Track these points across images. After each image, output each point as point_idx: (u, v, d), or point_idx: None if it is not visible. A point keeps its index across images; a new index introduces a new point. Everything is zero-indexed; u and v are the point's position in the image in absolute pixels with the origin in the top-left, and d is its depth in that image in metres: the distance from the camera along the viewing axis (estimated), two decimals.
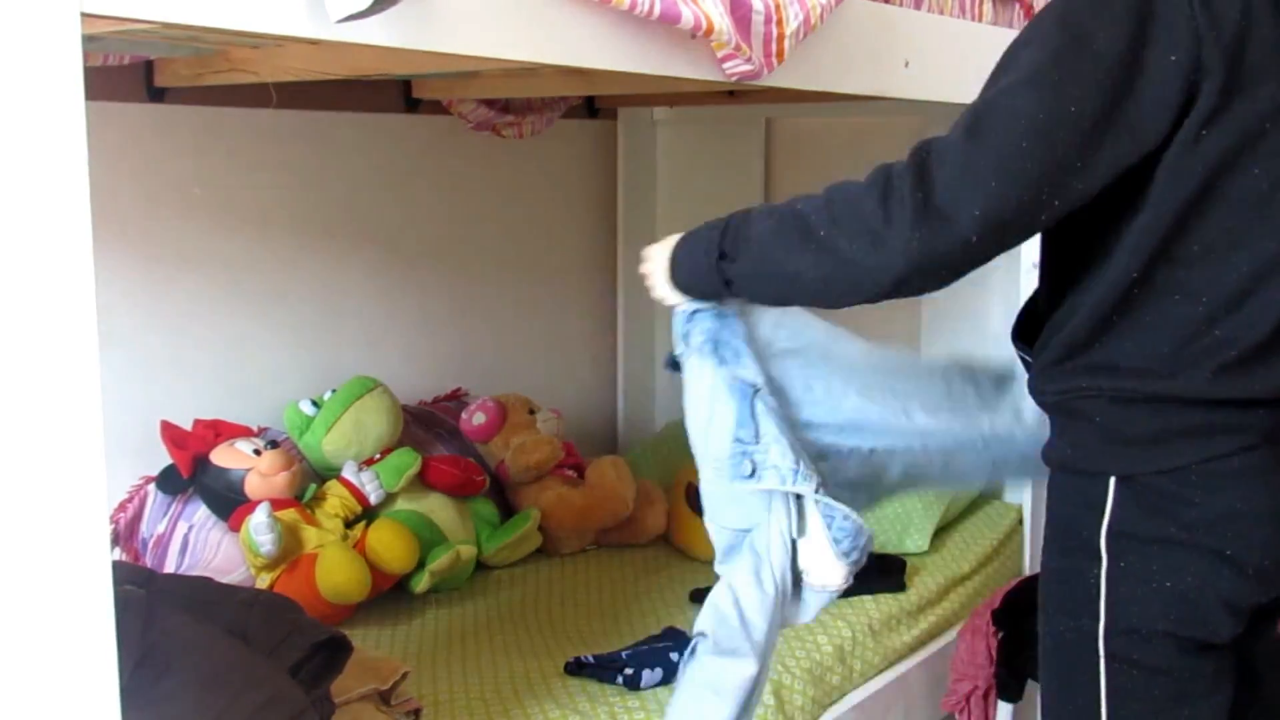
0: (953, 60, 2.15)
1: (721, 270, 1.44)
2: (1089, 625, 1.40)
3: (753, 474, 1.48)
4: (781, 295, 1.47)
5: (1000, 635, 2.27)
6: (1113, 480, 1.37)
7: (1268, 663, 1.53)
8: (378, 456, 2.47)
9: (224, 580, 2.08)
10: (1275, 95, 1.27)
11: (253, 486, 2.29)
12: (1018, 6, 2.38)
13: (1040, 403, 1.45)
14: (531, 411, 2.80)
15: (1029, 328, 1.52)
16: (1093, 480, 1.39)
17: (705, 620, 1.56)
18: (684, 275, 1.53)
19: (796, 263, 1.34)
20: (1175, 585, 1.36)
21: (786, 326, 1.62)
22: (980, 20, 2.24)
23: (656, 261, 1.57)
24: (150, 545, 2.31)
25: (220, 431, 2.37)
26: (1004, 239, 1.29)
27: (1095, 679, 1.41)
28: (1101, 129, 1.25)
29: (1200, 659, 1.41)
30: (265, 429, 2.50)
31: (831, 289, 1.34)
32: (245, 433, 2.41)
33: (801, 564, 1.54)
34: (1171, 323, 1.33)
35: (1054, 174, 1.25)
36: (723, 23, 1.52)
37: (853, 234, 1.29)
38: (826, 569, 1.53)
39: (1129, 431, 1.36)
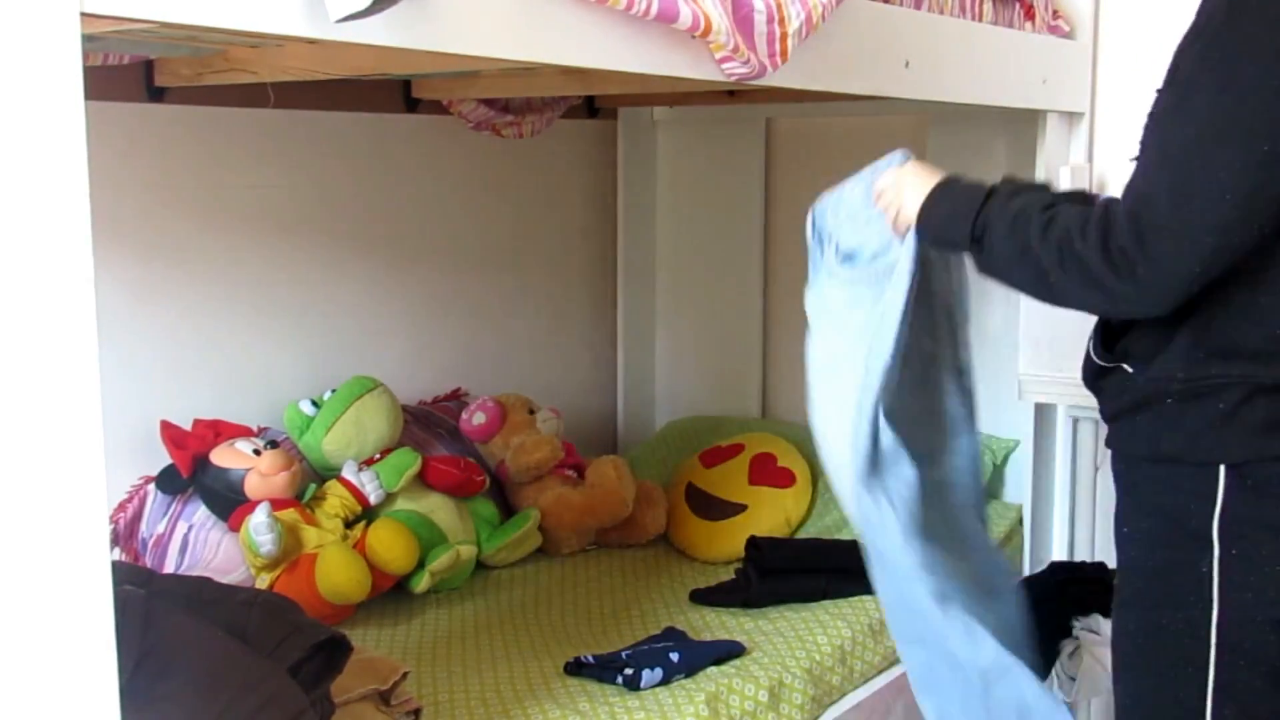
0: (953, 60, 2.14)
1: (972, 253, 1.56)
2: (1199, 615, 1.43)
3: None
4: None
5: None
6: (1223, 469, 1.41)
7: None
8: (378, 456, 2.47)
9: (224, 580, 2.07)
10: None
11: (253, 486, 2.29)
12: (1018, 6, 2.38)
13: (1160, 392, 1.47)
14: (531, 411, 2.80)
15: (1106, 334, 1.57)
16: (1202, 470, 1.42)
17: None
18: (934, 230, 1.62)
19: (1032, 290, 1.52)
20: None
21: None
22: (980, 20, 2.24)
23: (908, 197, 1.64)
24: (150, 545, 2.31)
25: (220, 431, 2.37)
26: (1222, 267, 1.37)
27: (1203, 669, 1.44)
28: None
29: None
30: (265, 429, 2.50)
31: (1067, 306, 1.48)
32: (245, 433, 2.41)
33: None
34: None
35: (1264, 209, 1.34)
36: (721, 23, 1.52)
37: (1082, 285, 1.41)
38: None
39: (1253, 419, 1.40)
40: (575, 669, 2.07)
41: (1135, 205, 1.37)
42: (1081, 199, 1.65)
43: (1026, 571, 2.70)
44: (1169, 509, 1.47)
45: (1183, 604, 1.45)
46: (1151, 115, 1.42)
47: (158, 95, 2.35)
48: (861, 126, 3.19)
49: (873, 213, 1.70)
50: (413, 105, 2.83)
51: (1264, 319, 1.40)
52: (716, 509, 2.79)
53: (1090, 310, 1.49)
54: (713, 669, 2.08)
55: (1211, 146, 1.33)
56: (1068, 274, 1.42)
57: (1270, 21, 1.31)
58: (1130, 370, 1.51)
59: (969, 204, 1.55)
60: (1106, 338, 1.56)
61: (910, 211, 1.63)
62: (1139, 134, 1.45)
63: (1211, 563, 1.42)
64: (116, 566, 1.22)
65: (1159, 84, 1.43)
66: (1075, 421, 2.70)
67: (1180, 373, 1.44)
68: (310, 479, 2.43)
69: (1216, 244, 1.33)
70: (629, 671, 2.01)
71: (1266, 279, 1.39)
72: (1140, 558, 1.52)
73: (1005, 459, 3.01)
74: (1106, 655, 1.71)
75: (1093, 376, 1.59)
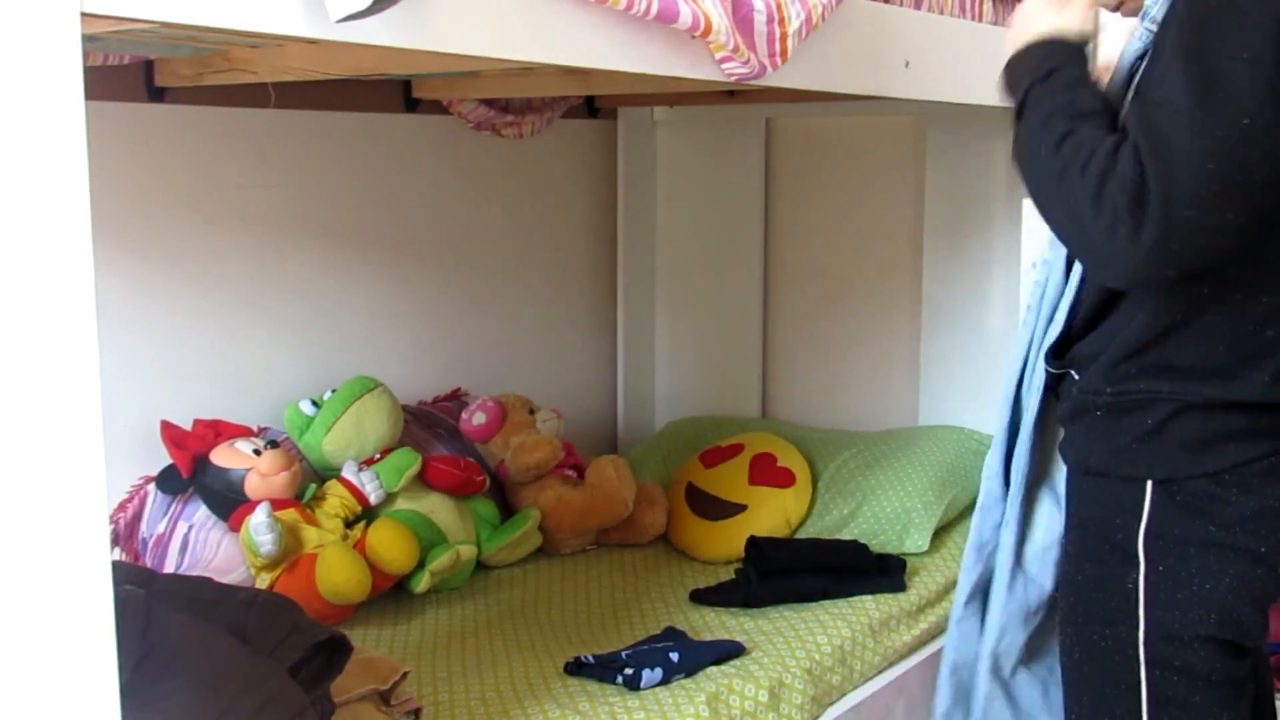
0: (953, 60, 2.15)
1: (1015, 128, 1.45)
2: (1127, 632, 1.40)
3: None
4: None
5: None
6: (1150, 484, 1.38)
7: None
8: (378, 456, 2.47)
9: (224, 580, 2.07)
10: None
11: (253, 486, 2.29)
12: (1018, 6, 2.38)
13: (1089, 404, 1.43)
14: (531, 411, 2.80)
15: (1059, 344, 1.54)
16: (1129, 484, 1.39)
17: None
18: (1005, 86, 1.52)
19: (1033, 196, 1.38)
20: (1215, 588, 1.36)
21: None
22: (980, 20, 2.24)
23: (1016, 34, 1.52)
24: (150, 545, 2.31)
25: (220, 431, 2.37)
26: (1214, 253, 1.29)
27: (1135, 687, 1.40)
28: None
29: (1236, 663, 1.41)
30: (265, 429, 2.50)
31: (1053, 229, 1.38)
32: (245, 433, 2.41)
33: None
34: (1230, 321, 1.34)
35: (1251, 193, 1.24)
36: (721, 23, 1.52)
37: (1068, 216, 1.30)
38: None
39: (1181, 435, 1.37)
40: (575, 669, 2.07)
41: (1142, 163, 1.25)
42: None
43: None
44: (1096, 523, 1.45)
45: (1111, 620, 1.42)
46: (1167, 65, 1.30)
47: (158, 95, 2.35)
48: (861, 126, 3.19)
49: None
50: (413, 105, 2.83)
51: (1206, 337, 1.35)
52: (716, 509, 2.79)
53: (1068, 245, 1.39)
54: (713, 669, 2.08)
55: (1203, 115, 1.22)
56: (1061, 198, 1.31)
57: None
58: (1075, 377, 1.49)
59: (1031, 72, 1.43)
60: (1060, 345, 1.53)
61: (1007, 52, 1.51)
62: None
63: (1137, 579, 1.39)
64: (116, 566, 1.22)
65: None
66: None
67: (1107, 386, 1.41)
68: (310, 479, 2.43)
69: (1200, 222, 1.22)
70: (629, 671, 2.01)
71: (1212, 298, 1.34)
72: (1072, 572, 1.49)
73: None
74: None
75: (1052, 380, 1.58)
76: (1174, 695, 1.40)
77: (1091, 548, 1.45)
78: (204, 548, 2.29)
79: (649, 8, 1.42)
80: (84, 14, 0.95)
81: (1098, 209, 1.26)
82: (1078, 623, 1.48)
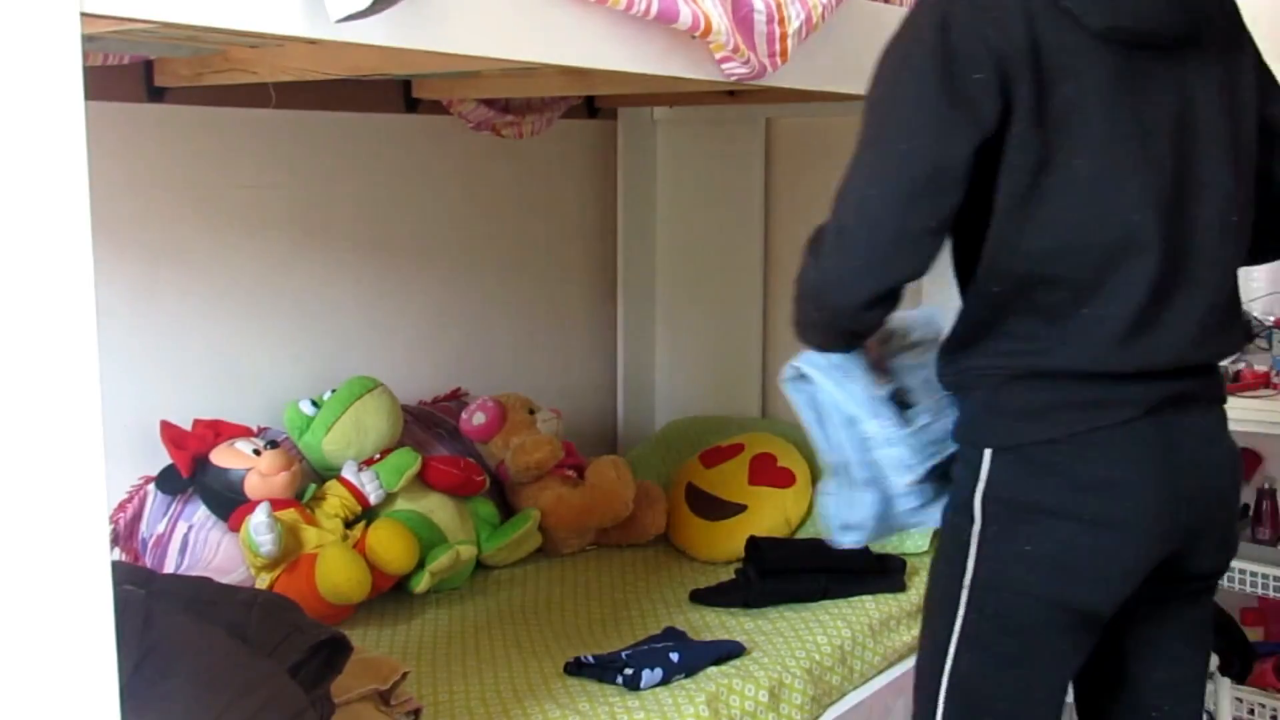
0: None
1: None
2: (957, 574, 1.56)
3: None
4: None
5: None
6: (988, 452, 1.52)
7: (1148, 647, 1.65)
8: (378, 456, 2.47)
9: (224, 580, 2.07)
10: (1074, 93, 1.40)
11: (253, 486, 2.29)
12: None
13: (945, 383, 1.62)
14: (531, 411, 2.80)
15: None
16: (973, 450, 1.55)
17: None
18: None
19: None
20: (1037, 549, 1.50)
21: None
22: None
23: None
24: (150, 545, 2.31)
25: (220, 431, 2.37)
26: (904, 270, 1.47)
27: (951, 621, 1.57)
28: (937, 153, 1.41)
29: (1060, 627, 1.54)
30: (265, 429, 2.51)
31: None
32: (245, 433, 2.41)
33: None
34: (1043, 307, 1.48)
35: (921, 204, 1.42)
36: (721, 23, 1.52)
37: (801, 304, 1.57)
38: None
39: (1007, 406, 1.51)
40: (575, 669, 2.07)
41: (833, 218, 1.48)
42: None
43: None
44: (958, 482, 1.59)
45: (951, 562, 1.58)
46: None
47: (158, 95, 2.35)
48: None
49: None
50: (413, 105, 2.83)
51: (1017, 327, 1.49)
52: (716, 509, 2.79)
53: (817, 335, 1.62)
54: (713, 669, 2.09)
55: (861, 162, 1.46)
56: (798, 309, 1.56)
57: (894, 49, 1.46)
58: None
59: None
60: None
61: None
62: None
63: (972, 533, 1.54)
64: (116, 566, 1.22)
65: None
66: None
67: (947, 366, 1.58)
68: (310, 479, 2.43)
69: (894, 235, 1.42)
70: (629, 671, 2.01)
71: (1014, 298, 1.48)
72: (944, 521, 1.64)
73: None
74: None
75: None
76: (978, 636, 1.55)
77: (953, 503, 1.60)
78: (204, 548, 2.29)
79: (649, 8, 1.42)
80: (84, 14, 0.95)
81: (801, 278, 1.52)
82: (935, 560, 1.66)
